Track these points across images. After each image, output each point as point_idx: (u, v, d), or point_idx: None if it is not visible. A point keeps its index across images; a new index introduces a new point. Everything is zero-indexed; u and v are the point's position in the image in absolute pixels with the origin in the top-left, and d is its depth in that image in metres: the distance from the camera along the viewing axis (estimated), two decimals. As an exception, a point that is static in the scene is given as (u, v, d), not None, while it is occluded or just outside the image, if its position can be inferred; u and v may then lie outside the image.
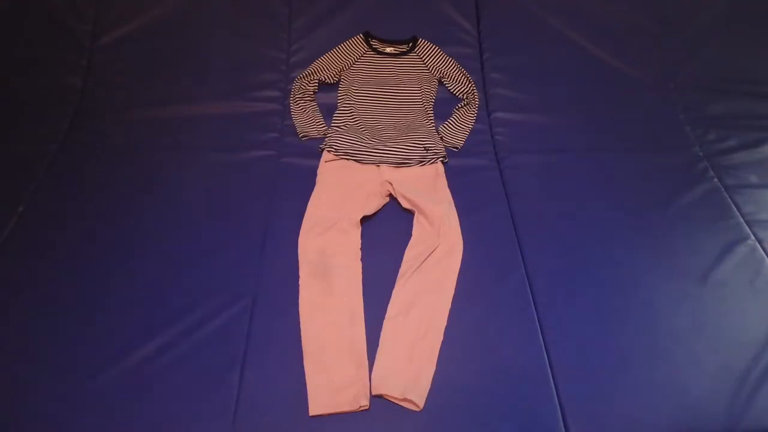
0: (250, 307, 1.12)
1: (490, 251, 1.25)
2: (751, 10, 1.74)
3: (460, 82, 1.62)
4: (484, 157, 1.48)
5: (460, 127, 1.52)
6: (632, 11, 1.72)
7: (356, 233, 1.25)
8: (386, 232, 1.28)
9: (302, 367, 1.03)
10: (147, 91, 1.57)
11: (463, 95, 1.60)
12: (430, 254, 1.20)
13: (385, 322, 1.10)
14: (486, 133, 1.55)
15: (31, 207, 1.29)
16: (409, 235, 1.26)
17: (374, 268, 1.19)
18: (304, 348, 1.05)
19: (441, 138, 1.48)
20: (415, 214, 1.29)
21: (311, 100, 1.56)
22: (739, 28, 1.73)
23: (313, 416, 0.96)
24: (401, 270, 1.18)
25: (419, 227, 1.27)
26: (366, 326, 1.09)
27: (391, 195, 1.35)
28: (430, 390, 1.01)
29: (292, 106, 1.54)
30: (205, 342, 1.06)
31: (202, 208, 1.30)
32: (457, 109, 1.57)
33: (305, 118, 1.51)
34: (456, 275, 1.18)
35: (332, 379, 1.00)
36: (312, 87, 1.58)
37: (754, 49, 1.72)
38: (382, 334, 1.08)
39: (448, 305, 1.13)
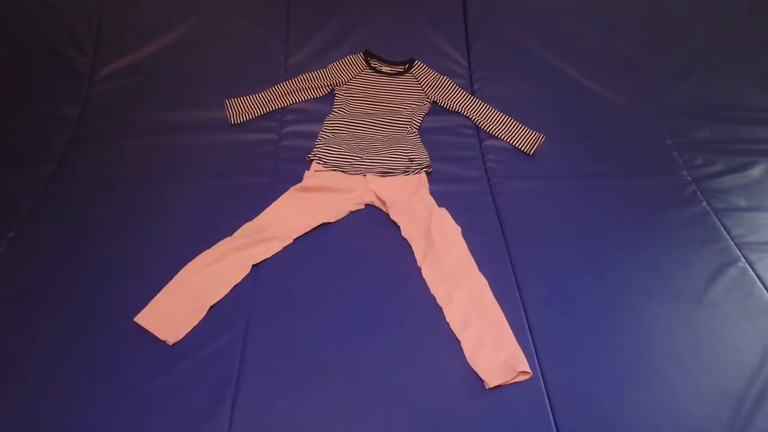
0: (242, 335, 1.11)
1: (484, 275, 1.24)
2: (732, 38, 1.80)
3: (455, 94, 1.67)
4: (477, 183, 1.50)
5: (515, 129, 1.60)
6: (618, 41, 1.78)
7: (300, 232, 1.31)
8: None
9: (294, 392, 1.02)
10: (143, 120, 1.59)
11: (462, 107, 1.66)
12: (432, 246, 1.26)
13: (453, 327, 1.13)
14: (478, 159, 1.58)
15: (22, 234, 1.28)
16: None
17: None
18: (179, 273, 1.18)
19: (526, 152, 1.56)
20: (402, 226, 1.33)
21: (281, 102, 1.63)
22: (721, 55, 1.78)
23: (135, 321, 1.10)
24: (428, 280, 1.23)
25: (409, 229, 1.32)
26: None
27: (371, 204, 1.40)
28: (424, 413, 1.00)
29: (264, 93, 1.63)
30: (197, 370, 1.04)
31: (197, 233, 1.29)
32: (485, 123, 1.63)
33: (248, 106, 1.60)
34: (464, 246, 1.28)
35: (170, 310, 1.12)
36: (294, 95, 1.65)
37: (736, 76, 1.77)
38: (460, 338, 1.12)
39: (482, 279, 1.21)
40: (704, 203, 1.47)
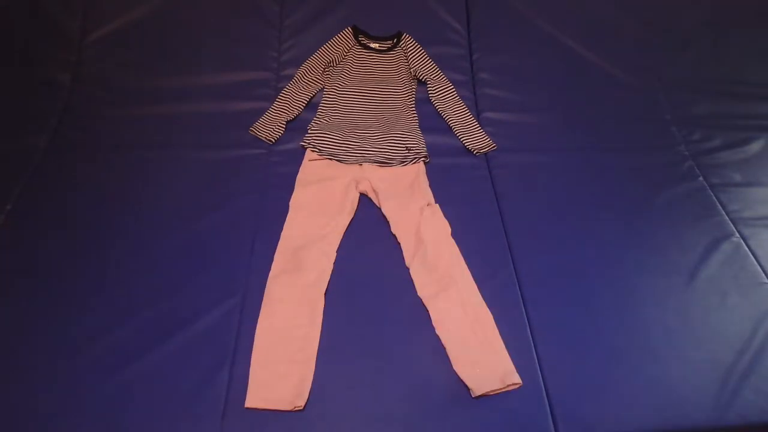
0: (240, 305, 1.11)
1: (480, 249, 1.25)
2: (733, 13, 1.77)
3: (436, 80, 1.61)
4: (474, 156, 1.49)
5: (473, 129, 1.53)
6: (618, 13, 1.75)
7: (335, 239, 1.24)
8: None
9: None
10: (137, 87, 1.55)
11: (438, 92, 1.59)
12: (421, 251, 1.20)
13: (439, 332, 1.08)
14: (476, 132, 1.56)
15: (20, 205, 1.27)
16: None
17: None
18: (256, 338, 1.05)
19: (472, 151, 1.48)
20: (392, 221, 1.27)
21: (296, 107, 1.53)
22: (722, 29, 1.76)
23: (247, 408, 0.96)
24: (416, 280, 1.17)
25: (398, 226, 1.26)
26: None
27: (363, 194, 1.35)
28: (416, 390, 1.01)
29: (275, 104, 1.53)
30: (195, 340, 1.05)
31: (193, 205, 1.29)
32: (449, 114, 1.56)
33: (271, 121, 1.49)
34: (454, 246, 1.22)
35: (275, 376, 1.00)
36: (303, 94, 1.55)
37: (736, 51, 1.75)
38: (446, 344, 1.06)
39: (471, 281, 1.16)
40: (701, 178, 1.47)
